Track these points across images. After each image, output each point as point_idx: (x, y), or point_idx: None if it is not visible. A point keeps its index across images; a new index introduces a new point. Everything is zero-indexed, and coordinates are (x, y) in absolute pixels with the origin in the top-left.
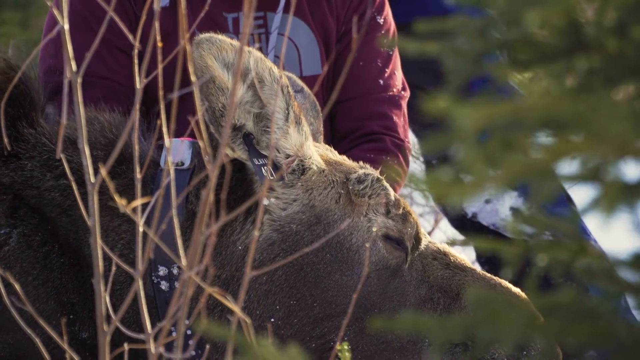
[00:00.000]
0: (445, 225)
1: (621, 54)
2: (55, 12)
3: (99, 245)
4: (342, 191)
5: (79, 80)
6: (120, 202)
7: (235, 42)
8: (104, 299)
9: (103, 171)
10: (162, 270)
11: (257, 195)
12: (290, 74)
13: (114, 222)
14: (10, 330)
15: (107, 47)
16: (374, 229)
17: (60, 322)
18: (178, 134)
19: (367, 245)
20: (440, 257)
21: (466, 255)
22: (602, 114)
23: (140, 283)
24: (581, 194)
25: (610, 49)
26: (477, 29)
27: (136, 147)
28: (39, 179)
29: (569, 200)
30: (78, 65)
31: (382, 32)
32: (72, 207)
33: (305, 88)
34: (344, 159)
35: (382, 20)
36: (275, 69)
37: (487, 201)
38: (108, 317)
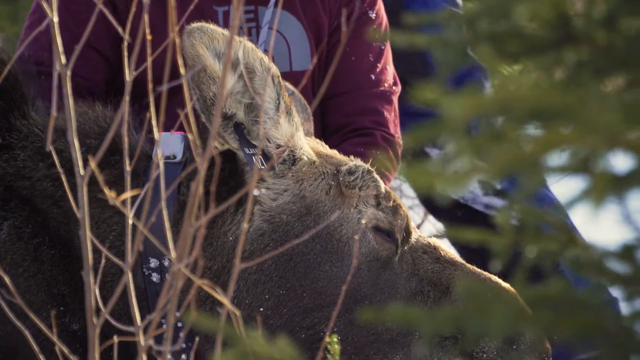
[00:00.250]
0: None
1: (610, 46)
2: (45, 5)
3: (88, 238)
4: (333, 183)
5: (68, 73)
6: (110, 194)
7: (226, 32)
8: (94, 291)
9: (92, 163)
10: (154, 262)
11: (247, 186)
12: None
13: (105, 213)
14: (0, 322)
15: (74, 42)
16: (363, 221)
17: (50, 314)
18: (168, 127)
19: (356, 237)
20: (430, 251)
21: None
22: (592, 106)
23: (130, 275)
24: (570, 186)
25: (599, 41)
26: (466, 21)
27: (126, 140)
28: (31, 168)
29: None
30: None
31: (374, 27)
32: (63, 199)
33: (296, 92)
34: (334, 152)
35: (374, 15)
36: (266, 59)
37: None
38: (98, 310)
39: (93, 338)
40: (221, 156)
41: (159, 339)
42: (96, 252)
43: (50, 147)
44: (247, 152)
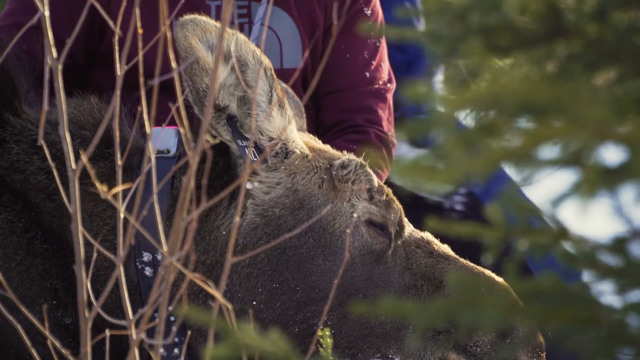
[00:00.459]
0: None
1: (601, 39)
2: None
3: (80, 231)
4: (326, 176)
5: (60, 67)
6: (101, 188)
7: (219, 24)
8: (86, 285)
9: (84, 157)
10: (147, 256)
11: (239, 179)
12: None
13: (98, 207)
14: None
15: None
16: (356, 215)
17: (43, 307)
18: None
19: (348, 231)
20: (423, 246)
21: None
22: (582, 99)
23: (122, 269)
24: (562, 179)
25: (590, 34)
26: (457, 14)
27: (117, 134)
28: (25, 161)
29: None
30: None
31: (370, 23)
32: (56, 192)
33: (289, 90)
34: (327, 147)
35: (369, 11)
36: (258, 52)
37: None
38: (90, 304)
39: (85, 332)
40: (215, 150)
41: (151, 333)
42: (89, 245)
43: (41, 141)
44: (240, 144)
